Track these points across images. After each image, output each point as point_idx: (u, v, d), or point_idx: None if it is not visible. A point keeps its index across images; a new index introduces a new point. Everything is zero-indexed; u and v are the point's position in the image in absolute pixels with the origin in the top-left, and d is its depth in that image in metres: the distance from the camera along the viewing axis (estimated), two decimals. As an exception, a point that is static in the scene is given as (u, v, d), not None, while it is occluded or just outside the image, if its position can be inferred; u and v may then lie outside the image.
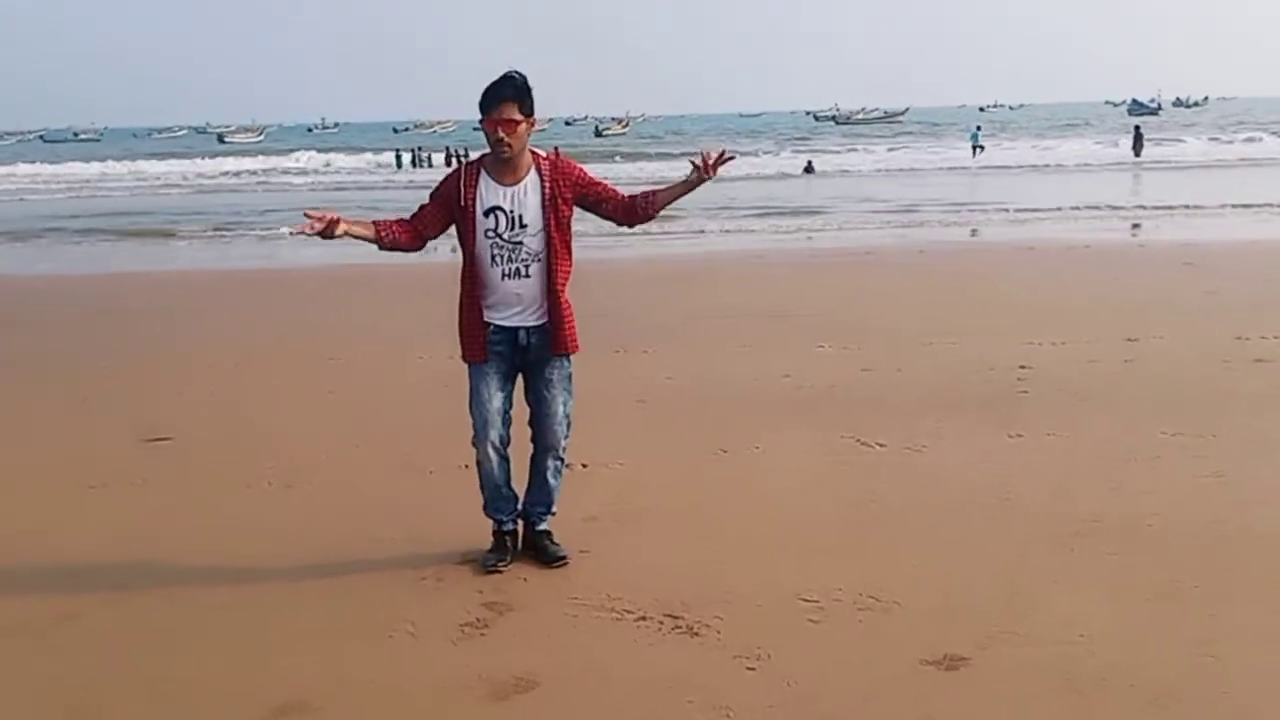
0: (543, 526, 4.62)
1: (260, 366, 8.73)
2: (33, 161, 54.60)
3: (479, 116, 4.21)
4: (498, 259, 4.26)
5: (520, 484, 4.62)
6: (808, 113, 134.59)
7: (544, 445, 4.51)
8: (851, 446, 6.12)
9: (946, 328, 9.47)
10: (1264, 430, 6.22)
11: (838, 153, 51.72)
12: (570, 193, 4.35)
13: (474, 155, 4.34)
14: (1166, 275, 12.56)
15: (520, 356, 4.40)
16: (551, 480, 4.59)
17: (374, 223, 4.29)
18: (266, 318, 11.43)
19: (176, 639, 3.96)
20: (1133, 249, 16.69)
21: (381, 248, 4.32)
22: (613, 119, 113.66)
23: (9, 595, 4.35)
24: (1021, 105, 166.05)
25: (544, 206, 4.27)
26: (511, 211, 4.25)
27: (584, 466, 5.85)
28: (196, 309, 12.08)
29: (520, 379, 4.47)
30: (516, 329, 4.35)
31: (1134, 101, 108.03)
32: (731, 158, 4.46)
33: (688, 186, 4.44)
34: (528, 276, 4.30)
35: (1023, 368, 7.84)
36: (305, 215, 4.12)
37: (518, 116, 4.19)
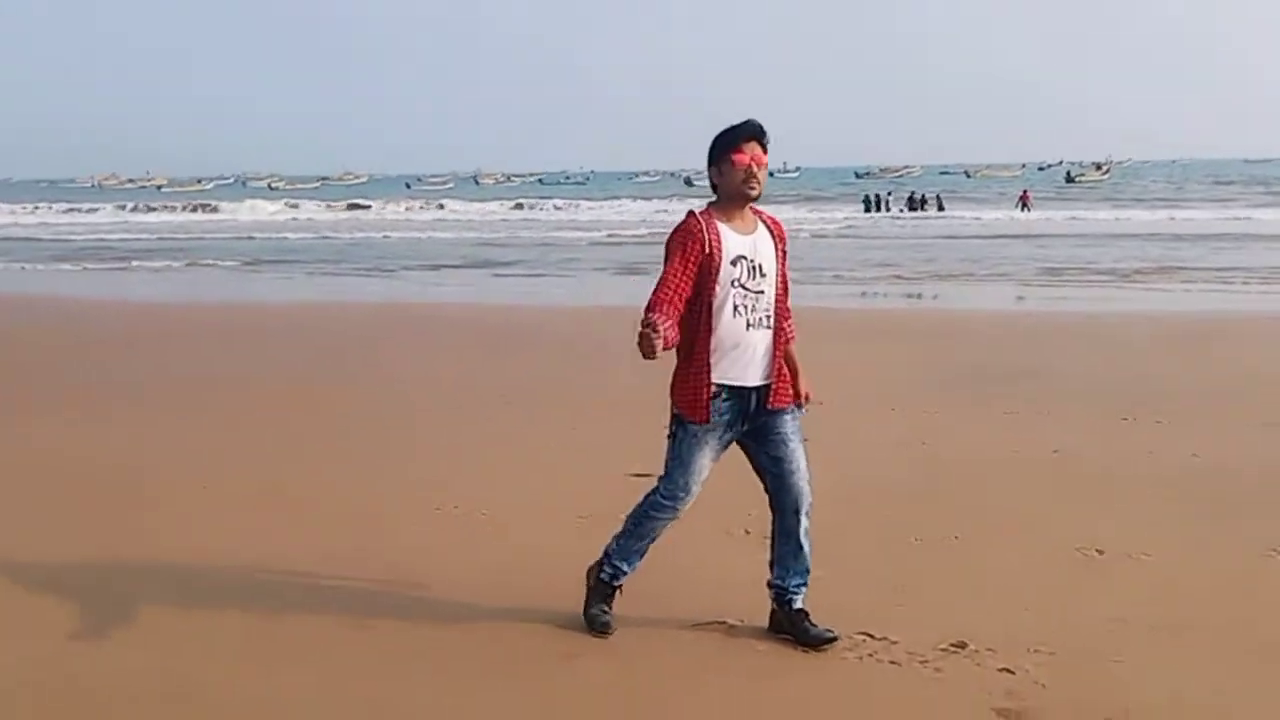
0: (801, 604, 4.13)
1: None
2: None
3: (721, 155, 3.99)
4: (740, 309, 3.98)
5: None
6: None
7: (794, 506, 4.08)
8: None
9: None
10: None
11: None
12: (784, 255, 4.14)
13: (693, 209, 4.11)
14: None
15: (745, 422, 4.06)
16: (807, 545, 4.11)
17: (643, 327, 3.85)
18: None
19: (667, 691, 3.75)
20: None
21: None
22: (1092, 163, 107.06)
23: (516, 629, 4.36)
24: None
25: (777, 257, 4.09)
26: (752, 260, 4.02)
27: (1099, 553, 5.11)
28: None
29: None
30: (750, 390, 4.02)
31: None
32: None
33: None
34: (768, 328, 4.04)
35: None
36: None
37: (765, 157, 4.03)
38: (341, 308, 17.73)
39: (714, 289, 3.96)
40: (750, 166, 3.98)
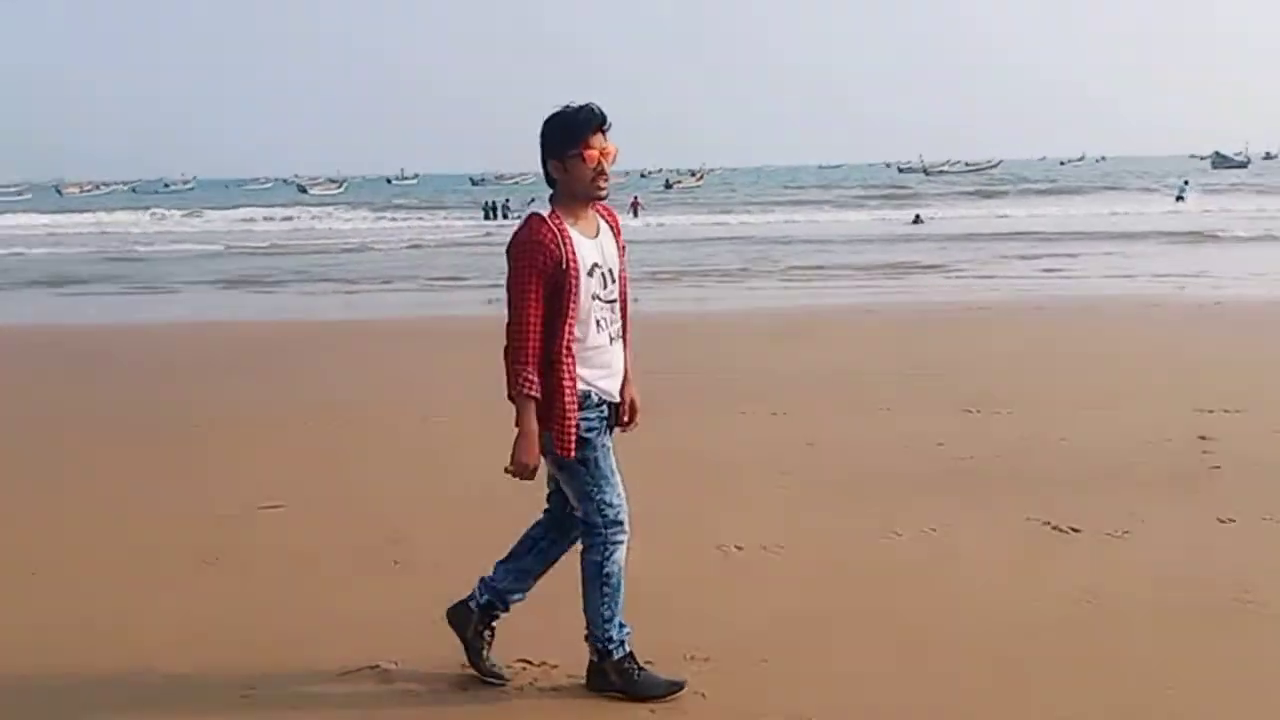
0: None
1: (360, 425, 8.21)
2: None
3: (568, 149, 3.50)
4: (602, 324, 3.63)
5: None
6: (888, 164, 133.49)
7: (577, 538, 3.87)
8: (1041, 530, 5.42)
9: (1097, 390, 8.73)
10: None
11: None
12: (624, 252, 3.76)
13: (535, 211, 3.59)
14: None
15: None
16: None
17: (527, 391, 3.55)
18: (362, 371, 10.97)
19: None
20: (1264, 307, 15.68)
21: None
22: (688, 171, 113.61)
23: (126, 701, 3.80)
24: (1103, 158, 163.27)
25: (619, 258, 3.72)
26: (604, 267, 3.63)
27: (738, 549, 5.24)
28: (304, 360, 11.68)
29: None
30: (612, 405, 3.72)
31: (1218, 155, 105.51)
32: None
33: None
34: (621, 339, 3.73)
35: (1203, 439, 7.06)
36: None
37: (613, 147, 3.60)
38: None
39: (575, 306, 3.51)
40: (600, 163, 3.53)
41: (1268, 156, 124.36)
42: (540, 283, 3.47)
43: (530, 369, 3.50)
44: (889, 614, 4.44)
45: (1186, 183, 53.53)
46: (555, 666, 3.91)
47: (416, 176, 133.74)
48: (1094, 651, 4.05)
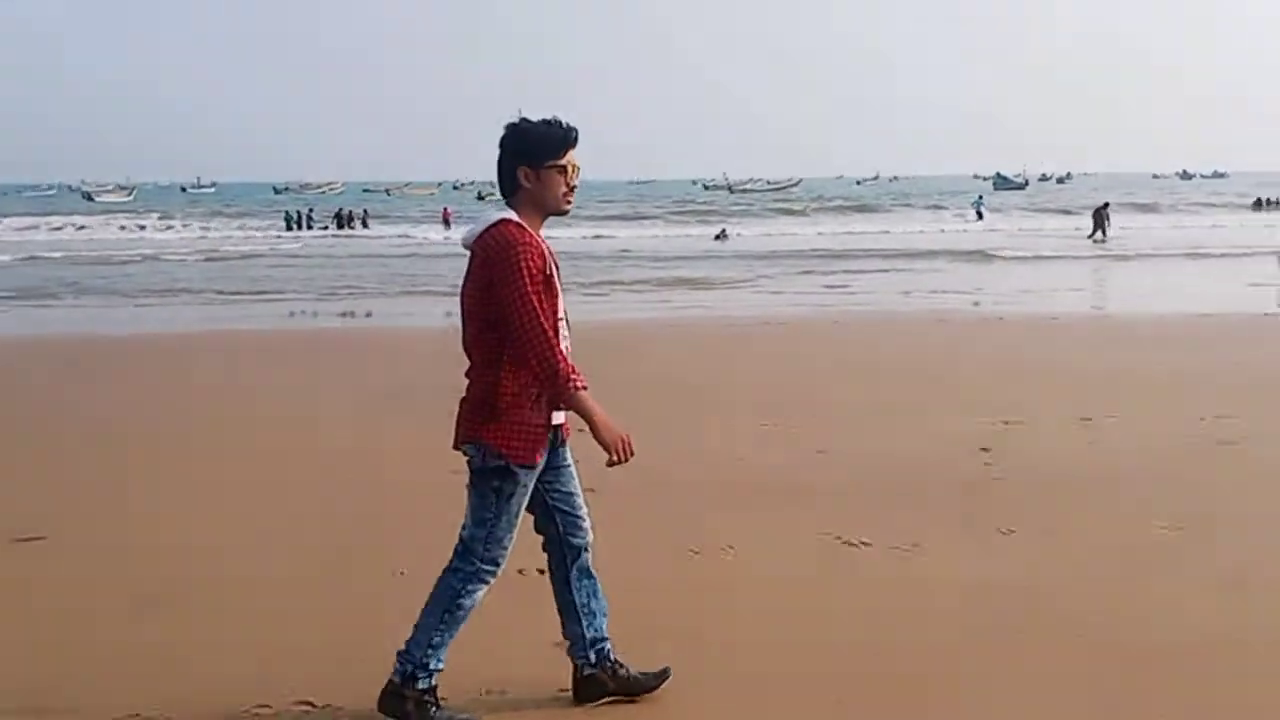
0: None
1: (153, 449, 7.73)
2: None
3: (546, 160, 3.50)
4: (559, 333, 3.56)
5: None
6: (694, 181, 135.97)
7: (588, 539, 3.81)
8: (833, 546, 5.51)
9: (887, 403, 9.03)
10: (1267, 516, 5.84)
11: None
12: None
13: (503, 215, 3.54)
14: (1087, 348, 12.40)
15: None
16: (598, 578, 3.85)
17: (578, 384, 3.53)
18: (161, 389, 10.36)
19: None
20: (1043, 321, 16.66)
21: None
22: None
23: None
24: (895, 178, 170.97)
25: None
26: (557, 279, 3.61)
27: (540, 573, 5.07)
28: (79, 379, 10.94)
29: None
30: (557, 426, 3.66)
31: (999, 176, 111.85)
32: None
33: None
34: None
35: (984, 450, 7.37)
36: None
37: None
38: None
39: (553, 318, 3.48)
40: (572, 178, 3.55)
41: (1044, 178, 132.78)
42: (537, 283, 3.42)
43: (569, 364, 3.46)
44: (690, 635, 4.40)
45: (981, 197, 56.81)
46: (341, 708, 3.71)
47: (214, 184, 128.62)
48: (893, 667, 4.10)
